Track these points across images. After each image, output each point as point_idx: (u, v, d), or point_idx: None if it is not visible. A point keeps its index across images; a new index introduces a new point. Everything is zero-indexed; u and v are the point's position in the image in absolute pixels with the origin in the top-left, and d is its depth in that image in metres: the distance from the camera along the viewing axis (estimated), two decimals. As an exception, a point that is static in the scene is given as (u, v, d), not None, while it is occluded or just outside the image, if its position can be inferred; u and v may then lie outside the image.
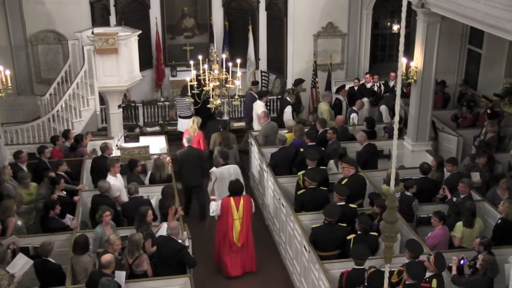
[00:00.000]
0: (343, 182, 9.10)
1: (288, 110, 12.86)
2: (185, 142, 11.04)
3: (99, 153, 10.39)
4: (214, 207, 9.08)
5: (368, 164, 10.48)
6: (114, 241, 7.42)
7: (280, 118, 13.06)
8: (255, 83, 14.06)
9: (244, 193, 9.33)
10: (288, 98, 13.17)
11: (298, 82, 13.96)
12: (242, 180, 9.77)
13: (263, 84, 15.81)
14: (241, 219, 9.05)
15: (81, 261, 7.48)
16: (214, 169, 10.07)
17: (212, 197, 9.39)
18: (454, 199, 8.87)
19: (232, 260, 9.32)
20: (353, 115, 12.59)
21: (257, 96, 13.14)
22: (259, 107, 12.64)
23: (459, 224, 8.23)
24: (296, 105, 13.39)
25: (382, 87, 14.05)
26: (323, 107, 12.78)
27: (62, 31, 14.22)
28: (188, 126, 11.74)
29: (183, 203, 10.55)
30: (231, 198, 9.00)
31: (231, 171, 9.96)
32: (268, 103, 14.22)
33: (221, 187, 9.60)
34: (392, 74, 14.20)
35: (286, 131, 11.57)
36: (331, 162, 10.17)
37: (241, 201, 9.02)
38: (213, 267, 9.51)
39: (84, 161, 10.47)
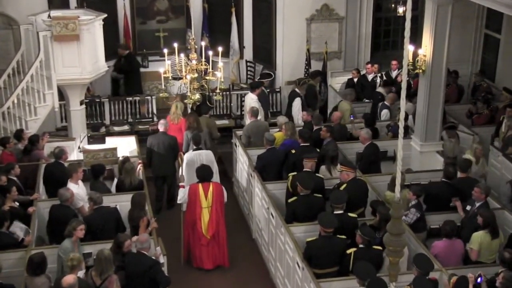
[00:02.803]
0: (341, 188, 9.11)
1: (297, 103, 12.81)
2: (160, 127, 11.24)
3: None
4: (181, 194, 9.53)
5: (370, 167, 10.49)
6: (79, 261, 7.37)
7: (289, 114, 12.98)
8: (265, 75, 13.93)
9: (218, 180, 9.90)
10: (297, 90, 13.12)
11: (315, 74, 13.87)
12: (216, 168, 10.32)
13: (249, 76, 15.79)
14: (210, 207, 9.43)
15: (35, 284, 7.39)
16: (186, 154, 10.45)
17: (181, 184, 9.75)
18: (468, 207, 8.91)
19: (203, 253, 9.71)
20: (385, 111, 12.57)
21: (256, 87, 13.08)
22: (250, 101, 12.65)
23: (476, 235, 8.26)
24: (310, 100, 13.25)
25: (384, 79, 14.08)
26: (345, 107, 12.67)
27: (12, 13, 14.05)
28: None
29: (154, 195, 11.05)
30: (200, 185, 9.42)
31: (203, 157, 10.32)
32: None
33: (191, 174, 9.92)
34: (394, 62, 14.22)
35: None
36: (323, 168, 10.16)
37: (210, 188, 9.42)
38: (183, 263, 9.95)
39: (40, 166, 10.38)
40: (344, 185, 9.15)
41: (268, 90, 14.74)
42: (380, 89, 13.41)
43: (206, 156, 10.37)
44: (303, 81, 13.35)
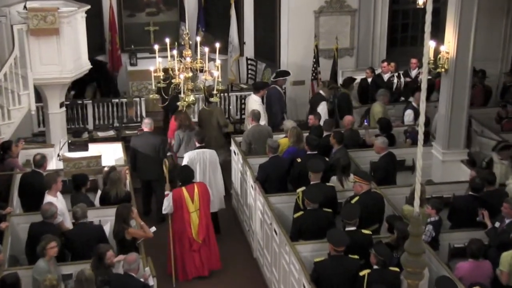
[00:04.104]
0: (353, 201, 9.11)
1: (322, 108, 12.76)
2: (144, 126, 11.47)
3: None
4: (166, 203, 9.74)
5: (386, 179, 10.48)
6: (56, 282, 7.35)
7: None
8: (282, 73, 13.91)
9: (222, 185, 10.35)
10: (321, 92, 13.09)
11: (349, 81, 13.79)
12: (219, 169, 10.62)
13: (250, 76, 15.82)
14: (198, 210, 9.69)
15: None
16: (188, 152, 10.63)
17: (166, 192, 9.90)
18: (497, 224, 8.90)
19: (195, 259, 9.95)
20: (409, 111, 12.54)
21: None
22: (254, 103, 12.69)
23: (505, 255, 8.22)
24: (344, 113, 12.94)
25: (402, 79, 14.09)
26: (377, 109, 12.68)
27: (-16, 5, 14.13)
28: None
29: (142, 202, 11.38)
30: (183, 188, 9.67)
31: (206, 156, 10.53)
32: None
33: None
34: (413, 60, 14.24)
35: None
36: (334, 178, 10.15)
37: (195, 189, 9.68)
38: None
39: (14, 176, 10.40)
40: (357, 198, 9.13)
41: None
42: (411, 99, 13.21)
43: (210, 155, 10.58)
44: (332, 85, 13.32)
